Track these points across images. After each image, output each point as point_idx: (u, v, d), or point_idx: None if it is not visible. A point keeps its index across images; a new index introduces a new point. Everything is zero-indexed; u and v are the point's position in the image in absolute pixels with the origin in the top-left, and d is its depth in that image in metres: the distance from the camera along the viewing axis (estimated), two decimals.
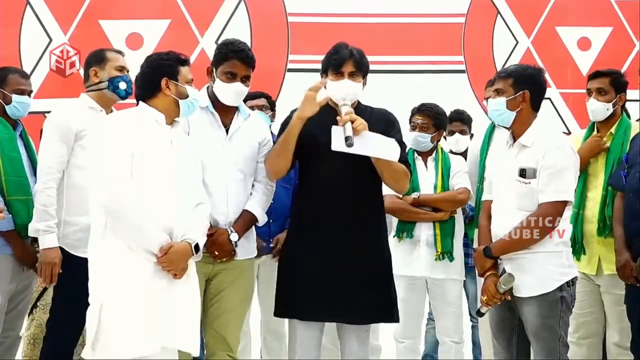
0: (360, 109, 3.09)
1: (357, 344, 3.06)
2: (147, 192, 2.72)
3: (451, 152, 4.20)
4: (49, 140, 3.27)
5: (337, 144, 2.86)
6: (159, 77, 2.85)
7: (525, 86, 3.06)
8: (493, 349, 3.26)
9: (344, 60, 3.02)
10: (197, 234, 2.86)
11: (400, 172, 3.02)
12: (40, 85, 5.90)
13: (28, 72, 5.88)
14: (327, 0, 6.42)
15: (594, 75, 3.74)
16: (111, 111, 3.39)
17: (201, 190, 2.99)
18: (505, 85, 3.07)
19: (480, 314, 3.17)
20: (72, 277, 3.13)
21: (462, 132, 4.39)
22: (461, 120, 4.43)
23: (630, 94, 4.31)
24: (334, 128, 2.89)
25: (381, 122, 3.07)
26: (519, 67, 3.17)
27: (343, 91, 2.99)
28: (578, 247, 3.59)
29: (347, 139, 2.82)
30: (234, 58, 3.17)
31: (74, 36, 5.89)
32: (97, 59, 3.45)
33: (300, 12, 6.34)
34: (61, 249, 3.23)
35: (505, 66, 3.31)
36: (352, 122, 2.86)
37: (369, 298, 3.02)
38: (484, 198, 3.29)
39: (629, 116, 4.18)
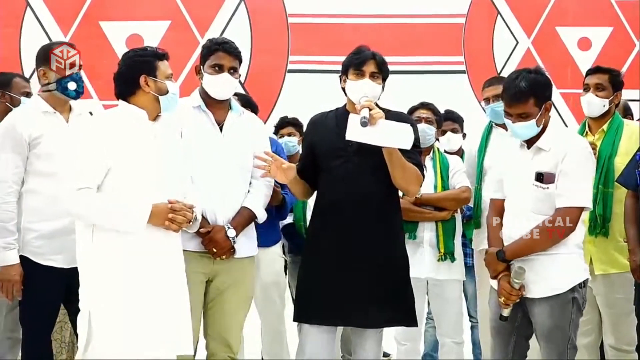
0: None
1: (371, 346, 3.05)
2: (128, 188, 2.74)
3: (445, 151, 4.20)
4: (2, 152, 3.10)
5: (352, 131, 2.85)
6: (137, 74, 2.83)
7: (546, 98, 2.99)
8: (490, 347, 3.25)
9: (366, 60, 3.02)
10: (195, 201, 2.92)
11: (412, 173, 2.99)
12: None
13: (28, 74, 5.95)
14: (327, 1, 6.42)
15: (594, 70, 3.72)
16: (69, 108, 3.23)
17: (189, 183, 2.99)
18: (529, 107, 2.94)
19: (503, 318, 3.08)
20: (34, 285, 3.08)
21: (454, 131, 4.40)
22: (452, 119, 4.44)
23: (631, 94, 4.32)
24: (351, 116, 2.88)
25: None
26: (533, 83, 2.97)
27: (363, 90, 2.98)
28: None
29: (362, 118, 2.81)
30: (218, 50, 3.20)
31: (74, 37, 5.90)
32: (44, 56, 3.20)
33: (300, 13, 6.34)
34: (23, 257, 3.11)
35: (508, 74, 3.14)
36: (370, 110, 2.86)
37: (386, 302, 3.00)
38: (493, 196, 3.21)
39: (632, 116, 4.18)
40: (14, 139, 3.08)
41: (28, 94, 3.62)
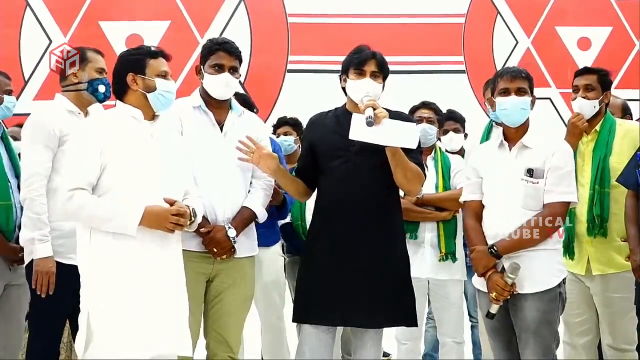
0: None
1: (371, 346, 3.04)
2: (124, 188, 2.72)
3: (446, 151, 4.20)
4: (34, 145, 3.13)
5: (356, 131, 2.84)
6: (125, 72, 2.84)
7: (532, 91, 3.13)
8: (492, 350, 3.25)
9: (366, 59, 3.02)
10: (195, 204, 2.90)
11: (413, 172, 2.98)
12: (40, 86, 5.93)
13: (28, 74, 5.96)
14: (327, 1, 6.44)
15: (582, 71, 3.74)
16: (87, 113, 3.30)
17: (190, 182, 2.99)
18: (526, 85, 3.11)
19: (490, 315, 3.09)
20: (55, 283, 3.09)
21: (456, 131, 4.41)
22: (454, 119, 4.44)
23: (630, 93, 4.33)
24: (354, 115, 2.88)
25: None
26: (527, 72, 3.18)
27: (364, 90, 2.98)
28: (572, 246, 3.59)
29: (367, 118, 2.81)
30: (219, 50, 3.21)
31: (73, 37, 5.92)
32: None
33: (300, 13, 6.36)
34: None
35: (508, 65, 3.29)
36: (374, 109, 2.86)
37: (387, 301, 3.00)
38: (468, 198, 3.24)
39: (631, 116, 4.18)
40: (48, 134, 3.11)
41: (10, 92, 3.61)
